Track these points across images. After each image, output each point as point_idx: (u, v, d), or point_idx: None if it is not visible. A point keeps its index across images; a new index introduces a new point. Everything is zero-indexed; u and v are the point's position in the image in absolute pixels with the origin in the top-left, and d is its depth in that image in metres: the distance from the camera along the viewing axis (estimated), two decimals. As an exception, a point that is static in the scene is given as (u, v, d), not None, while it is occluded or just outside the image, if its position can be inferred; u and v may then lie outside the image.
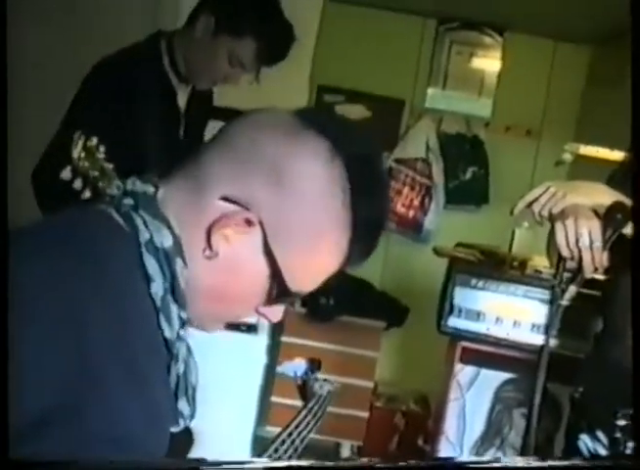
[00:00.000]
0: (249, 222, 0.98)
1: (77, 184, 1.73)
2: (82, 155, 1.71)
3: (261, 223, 0.99)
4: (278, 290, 1.03)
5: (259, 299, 1.05)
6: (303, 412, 1.67)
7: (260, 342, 3.70)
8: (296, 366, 2.02)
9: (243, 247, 1.00)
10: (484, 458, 2.56)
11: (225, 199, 0.99)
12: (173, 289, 0.99)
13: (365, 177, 1.02)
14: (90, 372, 0.86)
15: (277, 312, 1.09)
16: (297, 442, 1.50)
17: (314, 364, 1.87)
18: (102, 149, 1.77)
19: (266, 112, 1.06)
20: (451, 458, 1.96)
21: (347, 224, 1.01)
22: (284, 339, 3.81)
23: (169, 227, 0.99)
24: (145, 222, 0.99)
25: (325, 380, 1.85)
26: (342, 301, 3.68)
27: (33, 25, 3.24)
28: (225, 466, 0.84)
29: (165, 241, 0.98)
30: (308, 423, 1.62)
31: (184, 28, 2.32)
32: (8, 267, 0.86)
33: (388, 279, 4.30)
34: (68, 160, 1.72)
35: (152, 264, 0.97)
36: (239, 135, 1.02)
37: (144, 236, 0.98)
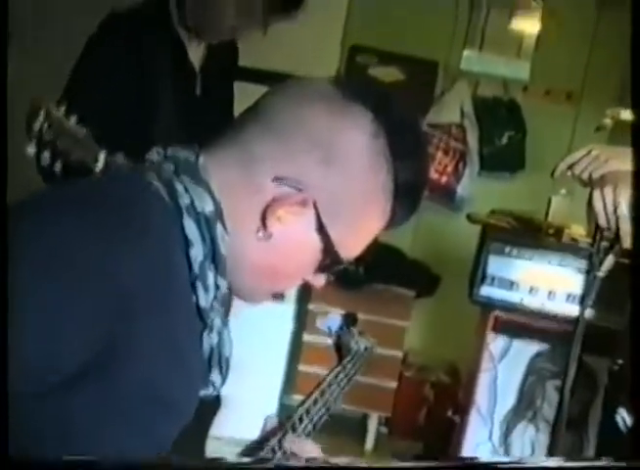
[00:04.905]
0: (303, 203, 1.00)
1: (45, 158, 1.65)
2: (45, 126, 1.63)
3: (314, 203, 1.01)
4: (330, 261, 1.06)
5: (311, 270, 1.08)
6: (337, 369, 1.61)
7: (287, 309, 3.67)
8: (330, 321, 1.96)
9: (296, 226, 1.02)
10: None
11: (277, 179, 1.00)
12: (213, 255, 1.00)
13: (406, 144, 1.05)
14: (123, 330, 0.88)
15: (321, 278, 1.12)
16: (331, 400, 1.47)
17: (350, 319, 1.80)
18: (73, 118, 1.69)
19: (304, 81, 1.08)
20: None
21: (391, 190, 1.04)
22: (311, 306, 3.77)
23: (210, 193, 1.00)
24: (186, 188, 0.99)
25: (361, 334, 1.78)
26: (372, 268, 3.63)
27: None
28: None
29: (207, 206, 0.99)
30: (340, 381, 1.57)
31: None
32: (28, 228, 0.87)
33: (420, 247, 4.22)
34: (31, 134, 1.64)
35: (192, 229, 0.98)
36: (282, 111, 1.03)
37: (184, 200, 0.98)
